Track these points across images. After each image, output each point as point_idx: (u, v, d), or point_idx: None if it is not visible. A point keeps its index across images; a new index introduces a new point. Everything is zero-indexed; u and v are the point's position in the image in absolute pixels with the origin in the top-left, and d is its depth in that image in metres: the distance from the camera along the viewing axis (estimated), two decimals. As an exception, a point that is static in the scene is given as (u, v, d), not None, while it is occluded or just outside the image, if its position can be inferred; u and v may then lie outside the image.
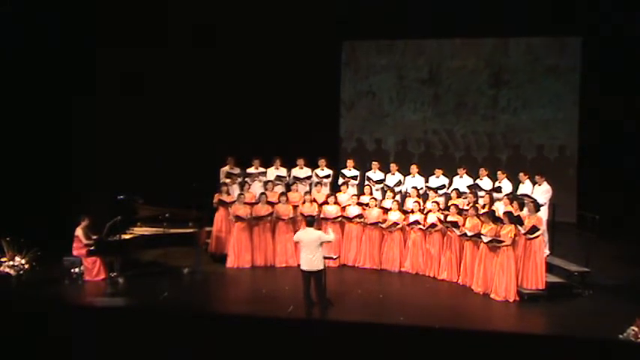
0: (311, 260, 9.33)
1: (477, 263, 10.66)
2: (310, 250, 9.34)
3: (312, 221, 9.88)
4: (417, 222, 11.60)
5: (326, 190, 12.83)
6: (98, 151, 13.92)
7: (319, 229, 10.56)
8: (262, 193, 12.18)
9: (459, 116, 15.48)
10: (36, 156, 13.02)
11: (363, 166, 13.25)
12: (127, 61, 14.17)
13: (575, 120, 14.86)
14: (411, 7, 14.26)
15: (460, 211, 11.29)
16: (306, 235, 9.50)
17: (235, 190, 12.65)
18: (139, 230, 11.40)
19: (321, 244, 9.42)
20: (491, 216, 10.56)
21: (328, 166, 13.17)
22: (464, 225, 10.98)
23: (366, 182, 12.82)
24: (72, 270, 10.79)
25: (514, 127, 15.20)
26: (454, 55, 15.46)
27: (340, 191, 12.76)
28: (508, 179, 11.91)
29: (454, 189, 12.04)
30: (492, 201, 11.43)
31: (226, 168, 13.06)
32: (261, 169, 13.06)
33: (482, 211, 11.02)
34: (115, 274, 10.83)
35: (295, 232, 12.00)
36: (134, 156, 14.05)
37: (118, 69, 14.13)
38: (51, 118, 13.30)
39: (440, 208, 11.65)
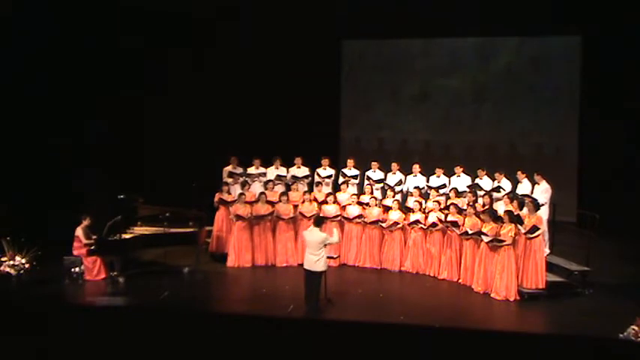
0: (312, 260, 9.32)
1: (477, 262, 10.66)
2: (312, 250, 9.33)
3: (320, 221, 9.69)
4: (417, 221, 11.60)
5: (327, 189, 12.82)
6: (98, 151, 13.90)
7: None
8: (262, 193, 12.18)
9: (458, 122, 15.59)
10: (36, 155, 13.01)
11: (363, 166, 13.23)
12: (126, 60, 14.17)
13: (575, 119, 14.85)
14: (410, 8, 14.27)
15: (460, 211, 11.29)
16: (311, 235, 9.45)
17: (237, 189, 12.64)
18: (140, 230, 11.40)
19: (325, 245, 9.40)
20: (492, 215, 10.57)
21: (331, 165, 13.17)
22: (464, 224, 10.98)
23: (366, 182, 12.83)
24: (72, 269, 10.78)
25: (513, 128, 15.22)
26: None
27: (340, 190, 12.76)
28: (507, 178, 11.91)
29: (452, 188, 12.04)
30: (492, 200, 11.43)
31: (229, 167, 13.07)
32: (262, 169, 13.06)
33: (481, 210, 11.03)
34: (115, 273, 10.83)
35: (296, 231, 12.05)
36: (134, 155, 14.06)
37: (118, 69, 14.12)
38: (51, 118, 13.29)
39: (440, 208, 11.65)
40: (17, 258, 10.47)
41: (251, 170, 13.06)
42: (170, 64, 14.61)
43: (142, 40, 14.18)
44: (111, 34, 13.99)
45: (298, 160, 13.08)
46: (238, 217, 11.81)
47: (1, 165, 12.51)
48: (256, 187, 12.80)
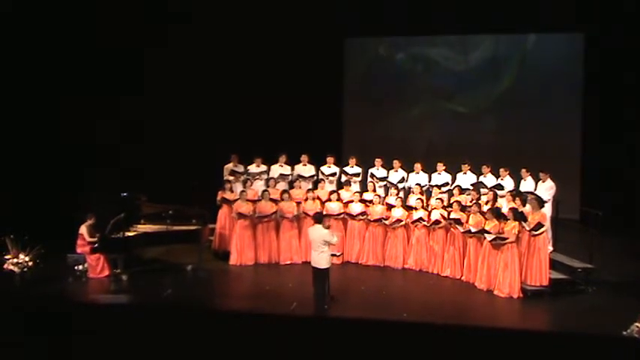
0: (316, 257, 9.31)
1: (480, 260, 10.66)
2: (315, 247, 9.33)
3: (319, 218, 9.69)
4: (420, 219, 11.60)
5: (330, 187, 12.80)
6: (100, 150, 13.93)
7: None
8: (265, 190, 12.18)
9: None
10: (39, 154, 13.04)
11: (367, 164, 13.21)
12: (127, 59, 14.17)
13: (578, 117, 14.83)
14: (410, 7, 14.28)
15: (463, 208, 11.28)
16: (314, 232, 9.44)
17: (239, 187, 12.64)
18: (143, 227, 11.42)
19: (326, 243, 9.39)
20: (496, 212, 10.55)
21: (335, 163, 13.13)
22: (467, 222, 10.97)
23: (369, 179, 12.81)
24: (76, 267, 10.85)
25: (516, 127, 15.21)
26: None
27: (343, 188, 12.74)
28: (510, 176, 11.89)
29: (456, 185, 12.03)
30: (495, 198, 11.41)
31: (230, 165, 13.05)
32: (263, 167, 13.03)
33: (484, 207, 11.01)
34: (118, 271, 10.86)
35: (299, 229, 12.04)
36: (136, 154, 14.07)
37: (118, 68, 14.12)
38: (53, 118, 13.32)
39: (443, 205, 11.65)
40: (21, 256, 10.49)
41: (252, 168, 13.03)
42: (171, 63, 14.61)
43: (141, 39, 14.19)
44: (111, 34, 14.00)
45: (304, 158, 12.98)
46: (240, 215, 11.81)
47: (5, 164, 12.55)
48: (257, 186, 12.78)
